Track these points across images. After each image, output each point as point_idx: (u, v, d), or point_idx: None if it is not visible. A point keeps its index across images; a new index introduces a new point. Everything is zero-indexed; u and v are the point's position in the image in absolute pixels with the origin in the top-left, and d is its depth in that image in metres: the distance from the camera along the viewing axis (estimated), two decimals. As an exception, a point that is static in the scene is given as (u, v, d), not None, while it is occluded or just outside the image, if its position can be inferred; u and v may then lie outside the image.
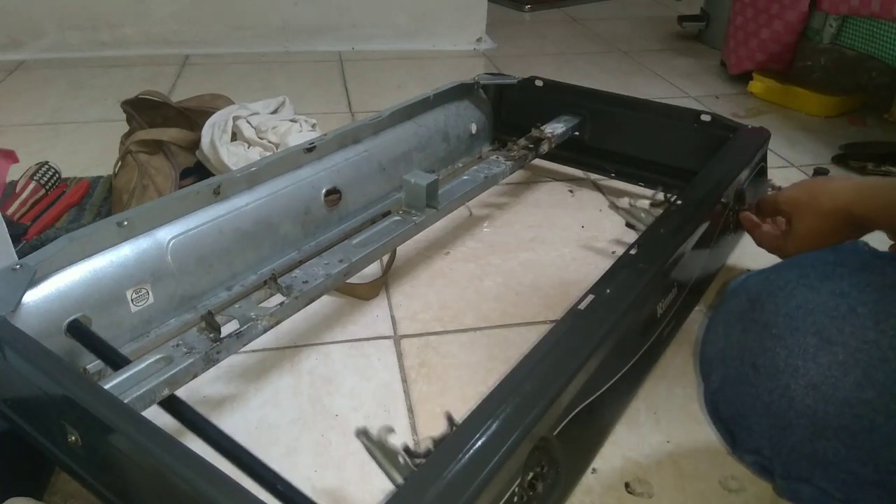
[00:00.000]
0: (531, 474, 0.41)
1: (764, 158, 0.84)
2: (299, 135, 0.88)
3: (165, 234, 0.58)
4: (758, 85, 1.40)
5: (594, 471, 0.56)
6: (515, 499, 0.39)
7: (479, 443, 0.37)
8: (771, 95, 1.38)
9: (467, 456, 0.36)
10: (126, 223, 0.56)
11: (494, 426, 0.38)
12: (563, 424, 0.45)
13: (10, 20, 1.50)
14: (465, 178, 0.79)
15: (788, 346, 0.42)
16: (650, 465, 0.56)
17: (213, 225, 0.62)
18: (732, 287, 0.51)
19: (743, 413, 0.44)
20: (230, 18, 1.59)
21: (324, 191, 0.72)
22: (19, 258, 0.52)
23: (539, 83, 0.99)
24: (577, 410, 0.46)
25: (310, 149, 0.71)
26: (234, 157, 0.84)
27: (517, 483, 0.39)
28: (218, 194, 0.62)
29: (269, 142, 0.88)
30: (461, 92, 0.94)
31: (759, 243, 0.73)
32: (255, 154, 0.86)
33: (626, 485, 0.54)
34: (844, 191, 0.60)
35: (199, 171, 0.88)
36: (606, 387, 0.51)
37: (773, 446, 0.42)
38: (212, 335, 0.52)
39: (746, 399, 0.44)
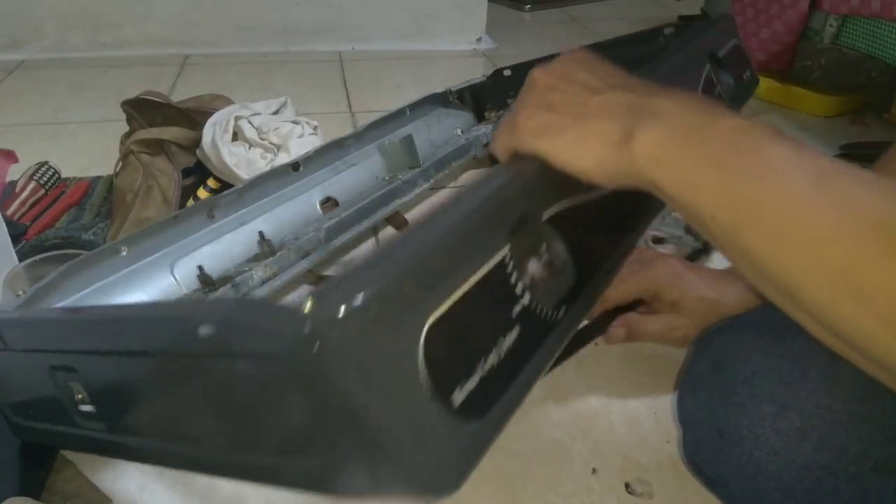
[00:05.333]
0: (525, 248, 0.36)
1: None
2: (300, 140, 0.88)
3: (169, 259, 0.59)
4: (758, 85, 1.40)
5: (594, 471, 0.56)
6: (510, 270, 0.34)
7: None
8: (771, 95, 1.37)
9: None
10: (125, 251, 0.56)
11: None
12: (554, 209, 0.39)
13: (11, 20, 1.50)
14: (445, 145, 0.78)
15: (749, 414, 0.43)
16: (650, 465, 0.56)
17: (218, 244, 0.62)
18: (697, 347, 0.51)
19: (720, 474, 0.46)
20: (230, 18, 1.59)
21: (319, 200, 0.72)
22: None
23: (507, 72, 0.98)
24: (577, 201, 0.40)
25: (296, 166, 0.71)
26: (235, 157, 0.84)
27: (504, 252, 0.34)
28: (212, 217, 0.62)
29: (271, 143, 0.87)
30: (437, 101, 0.93)
31: (654, 338, 0.65)
32: (255, 155, 0.86)
33: (627, 485, 0.54)
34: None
35: (199, 170, 0.88)
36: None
37: None
38: None
39: (720, 463, 0.45)
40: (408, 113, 0.88)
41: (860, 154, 1.11)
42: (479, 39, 1.73)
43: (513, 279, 0.34)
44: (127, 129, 0.92)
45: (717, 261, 0.79)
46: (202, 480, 0.54)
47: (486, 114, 0.93)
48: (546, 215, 0.38)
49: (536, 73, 0.41)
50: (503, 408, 0.31)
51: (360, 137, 0.80)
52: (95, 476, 0.53)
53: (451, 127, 0.96)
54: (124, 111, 0.92)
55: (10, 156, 0.89)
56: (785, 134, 0.31)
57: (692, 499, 0.54)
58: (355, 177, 0.79)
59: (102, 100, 1.29)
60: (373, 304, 0.26)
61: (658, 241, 0.85)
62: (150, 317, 0.35)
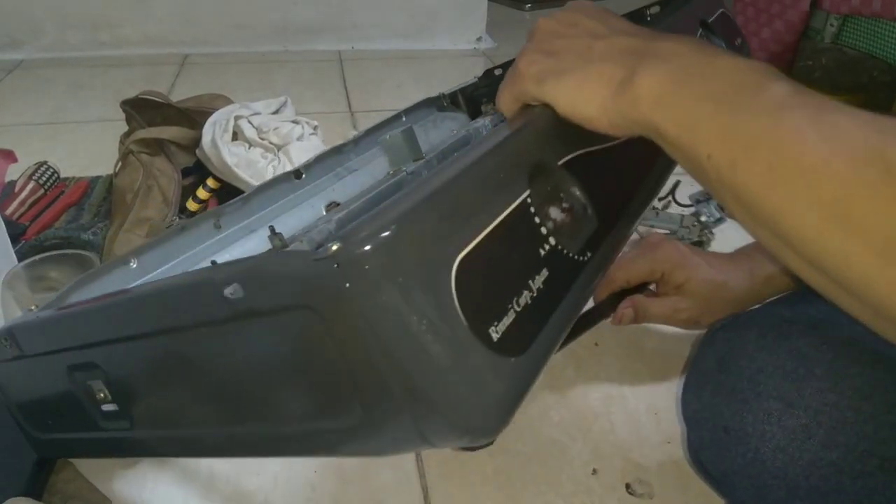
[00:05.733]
0: (545, 194, 0.36)
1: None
2: (301, 143, 0.88)
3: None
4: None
5: (594, 471, 0.56)
6: (533, 212, 0.34)
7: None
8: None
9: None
10: (134, 263, 0.56)
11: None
12: (569, 158, 0.38)
13: (10, 19, 1.49)
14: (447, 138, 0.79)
15: (754, 411, 0.43)
16: (651, 465, 0.56)
17: (227, 253, 0.62)
18: (702, 344, 0.51)
19: (724, 472, 0.46)
20: (229, 18, 1.59)
21: (324, 206, 0.72)
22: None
23: (498, 71, 0.99)
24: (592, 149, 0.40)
25: (298, 174, 0.72)
26: (236, 157, 0.83)
27: (525, 196, 0.34)
28: (219, 227, 0.62)
29: (271, 143, 0.87)
30: (431, 105, 0.93)
31: (660, 320, 0.66)
32: (256, 155, 0.86)
33: (627, 486, 0.54)
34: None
35: (198, 170, 0.88)
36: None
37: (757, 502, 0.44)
38: None
39: (725, 461, 0.45)
40: (403, 118, 0.89)
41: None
42: (479, 39, 1.73)
43: (537, 221, 0.34)
44: (126, 128, 0.92)
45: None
46: (202, 480, 0.54)
47: (483, 108, 0.94)
48: (562, 162, 0.38)
49: (541, 21, 0.41)
50: (542, 345, 0.30)
51: (358, 143, 0.80)
52: (95, 477, 0.53)
53: (447, 130, 0.97)
54: (123, 111, 0.91)
55: (9, 155, 0.89)
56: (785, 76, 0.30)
57: (693, 499, 0.53)
58: (358, 181, 0.79)
59: (101, 99, 1.29)
60: (399, 240, 0.26)
61: None
62: (170, 289, 0.33)
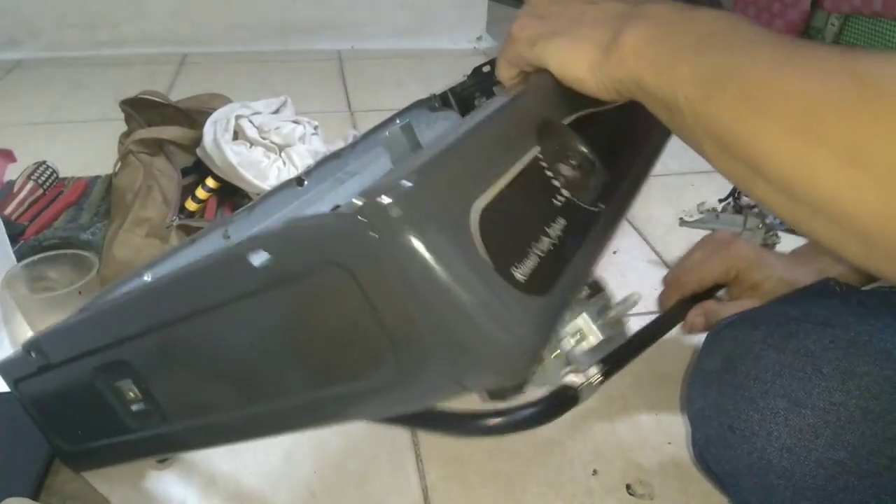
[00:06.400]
0: (554, 151, 0.37)
1: None
2: (303, 147, 0.88)
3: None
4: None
5: (595, 472, 0.55)
6: (545, 166, 0.35)
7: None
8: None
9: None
10: (149, 277, 0.56)
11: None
12: (574, 117, 0.40)
13: (8, 19, 1.49)
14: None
15: (760, 410, 0.42)
16: (651, 466, 0.56)
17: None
18: (707, 342, 0.51)
19: (730, 471, 0.45)
20: (229, 17, 1.59)
21: (329, 210, 0.72)
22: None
23: (486, 68, 0.99)
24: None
25: (300, 181, 0.72)
26: (238, 156, 0.83)
27: (536, 152, 0.35)
28: (228, 237, 0.62)
29: (272, 142, 0.87)
30: (423, 106, 0.94)
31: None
32: (258, 154, 0.86)
33: (628, 486, 0.54)
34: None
35: (198, 169, 0.88)
36: None
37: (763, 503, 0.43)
38: None
39: (730, 460, 0.45)
40: (397, 121, 0.89)
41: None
42: (479, 38, 1.73)
43: (549, 174, 0.35)
44: (125, 128, 0.92)
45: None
46: (202, 480, 0.54)
47: (476, 103, 0.94)
48: (568, 121, 0.39)
49: None
50: (564, 287, 0.31)
51: (355, 147, 0.81)
52: (94, 477, 0.53)
53: (441, 129, 0.97)
54: (123, 110, 0.91)
55: (8, 155, 0.89)
56: None
57: (693, 500, 0.53)
58: (360, 184, 0.80)
59: (100, 99, 1.29)
60: (421, 190, 0.27)
61: None
62: (198, 270, 0.34)
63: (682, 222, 0.91)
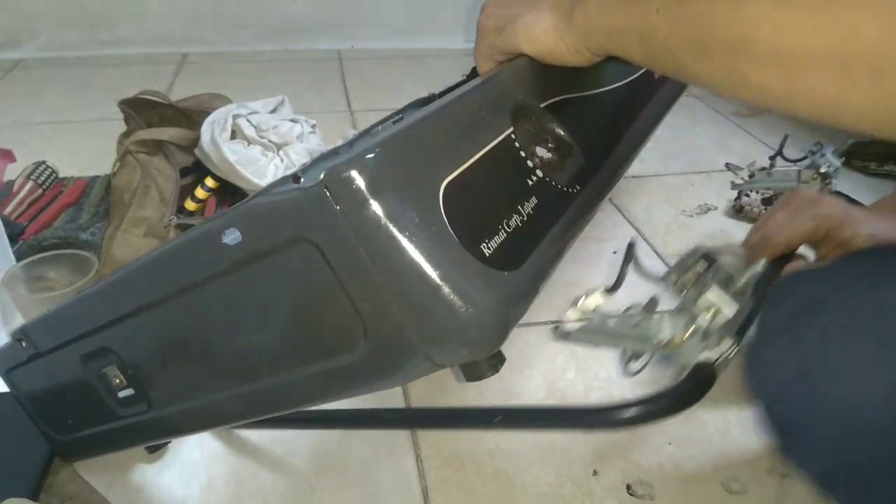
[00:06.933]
0: (530, 132, 0.38)
1: None
2: (300, 146, 0.88)
3: None
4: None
5: (595, 472, 0.55)
6: (518, 146, 0.36)
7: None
8: (772, 94, 1.37)
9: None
10: None
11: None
12: (551, 102, 0.41)
13: (8, 19, 1.49)
14: None
15: (848, 353, 0.40)
16: (652, 466, 0.56)
17: None
18: (786, 288, 0.48)
19: (799, 421, 0.42)
20: (228, 17, 1.59)
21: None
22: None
23: None
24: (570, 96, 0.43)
25: (296, 178, 0.72)
26: (236, 154, 0.83)
27: (508, 132, 0.36)
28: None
29: (270, 141, 0.87)
30: (421, 105, 0.94)
31: None
32: (256, 152, 0.85)
33: (628, 486, 0.54)
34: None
35: (197, 170, 0.88)
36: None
37: (834, 457, 0.41)
38: None
39: (803, 407, 0.42)
40: (397, 119, 0.89)
41: (863, 153, 1.10)
42: (478, 38, 1.73)
43: (522, 154, 0.36)
44: (124, 128, 0.92)
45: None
46: (201, 481, 0.54)
47: None
48: (545, 105, 0.40)
49: None
50: (536, 263, 0.32)
51: (352, 145, 0.81)
52: (93, 477, 0.53)
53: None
54: (122, 111, 0.91)
55: (8, 155, 0.88)
56: None
57: (694, 500, 0.53)
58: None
59: (100, 99, 1.29)
60: (384, 162, 0.27)
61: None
62: (171, 250, 0.34)
63: (734, 185, 0.86)
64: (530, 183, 0.35)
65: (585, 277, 0.78)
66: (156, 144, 0.86)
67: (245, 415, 0.38)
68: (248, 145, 0.87)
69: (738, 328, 0.36)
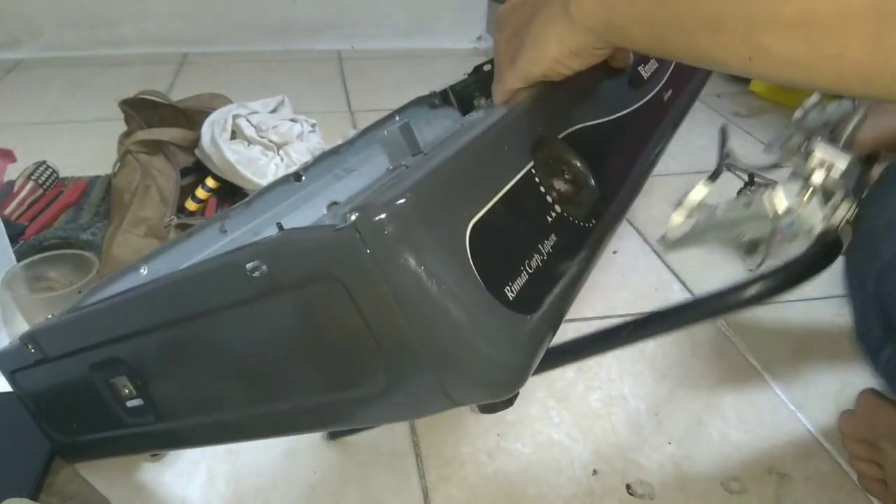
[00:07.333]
0: (548, 165, 0.38)
1: None
2: (300, 145, 0.88)
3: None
4: (759, 84, 1.39)
5: (595, 472, 0.55)
6: (538, 181, 0.36)
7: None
8: (773, 94, 1.37)
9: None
10: (145, 270, 0.56)
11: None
12: (568, 132, 0.41)
13: (8, 19, 1.49)
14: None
15: None
16: (651, 466, 0.56)
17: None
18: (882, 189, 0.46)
19: None
20: (228, 17, 1.59)
21: (325, 206, 0.72)
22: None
23: (487, 67, 0.99)
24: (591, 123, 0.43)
25: (298, 176, 0.72)
26: (236, 154, 0.83)
27: (529, 167, 0.36)
28: (224, 232, 0.62)
29: (270, 141, 0.87)
30: (423, 104, 0.94)
31: None
32: (256, 152, 0.86)
33: (628, 486, 0.54)
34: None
35: (197, 170, 0.88)
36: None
37: None
38: None
39: None
40: (396, 118, 0.89)
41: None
42: (479, 38, 1.73)
43: (542, 190, 0.36)
44: (125, 128, 0.92)
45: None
46: (201, 481, 0.54)
47: (475, 102, 0.94)
48: (562, 136, 0.40)
49: (499, 9, 0.44)
50: (554, 304, 0.32)
51: (354, 143, 0.81)
52: (93, 477, 0.53)
53: (441, 127, 0.97)
54: (122, 111, 0.91)
55: (8, 155, 0.88)
56: None
57: (693, 500, 0.53)
58: (357, 181, 0.80)
59: (100, 99, 1.29)
60: (414, 207, 0.27)
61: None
62: (194, 275, 0.35)
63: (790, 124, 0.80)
64: (549, 220, 0.35)
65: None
66: (156, 144, 0.86)
67: (255, 434, 0.39)
68: (249, 145, 0.87)
69: (853, 185, 0.34)
